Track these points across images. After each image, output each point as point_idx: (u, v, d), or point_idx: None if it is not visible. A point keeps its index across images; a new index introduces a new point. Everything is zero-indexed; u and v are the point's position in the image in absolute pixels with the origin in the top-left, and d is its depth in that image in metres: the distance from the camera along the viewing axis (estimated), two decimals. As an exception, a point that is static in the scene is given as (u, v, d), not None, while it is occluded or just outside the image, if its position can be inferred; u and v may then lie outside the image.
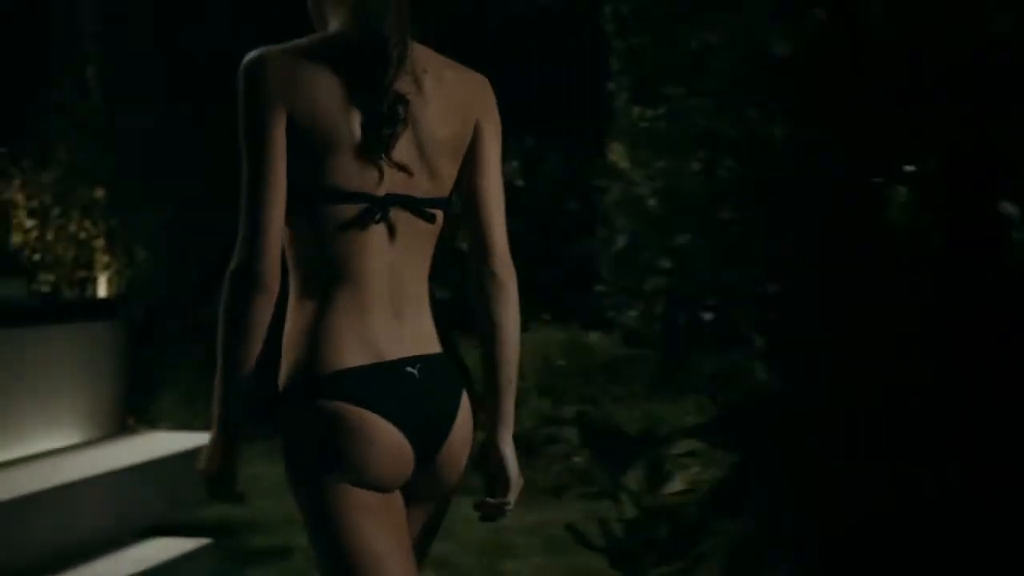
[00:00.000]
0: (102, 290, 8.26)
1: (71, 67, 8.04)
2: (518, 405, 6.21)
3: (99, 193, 8.01)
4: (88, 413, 4.56)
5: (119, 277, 8.18)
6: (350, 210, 1.73)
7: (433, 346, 1.83)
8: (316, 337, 1.75)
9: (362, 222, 1.73)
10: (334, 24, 1.80)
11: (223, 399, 1.74)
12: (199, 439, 4.60)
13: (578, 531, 3.77)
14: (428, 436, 1.80)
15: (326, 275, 1.76)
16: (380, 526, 1.77)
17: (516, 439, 6.01)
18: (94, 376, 4.61)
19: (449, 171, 1.81)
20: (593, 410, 4.43)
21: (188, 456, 4.35)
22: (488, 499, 1.93)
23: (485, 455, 1.94)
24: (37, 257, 8.07)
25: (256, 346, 1.72)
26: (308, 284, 1.78)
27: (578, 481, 5.34)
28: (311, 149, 1.72)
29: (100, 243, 8.09)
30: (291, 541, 4.59)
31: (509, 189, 6.30)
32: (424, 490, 1.85)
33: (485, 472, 1.95)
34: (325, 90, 1.72)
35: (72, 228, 8.05)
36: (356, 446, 1.74)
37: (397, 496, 1.81)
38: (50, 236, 8.08)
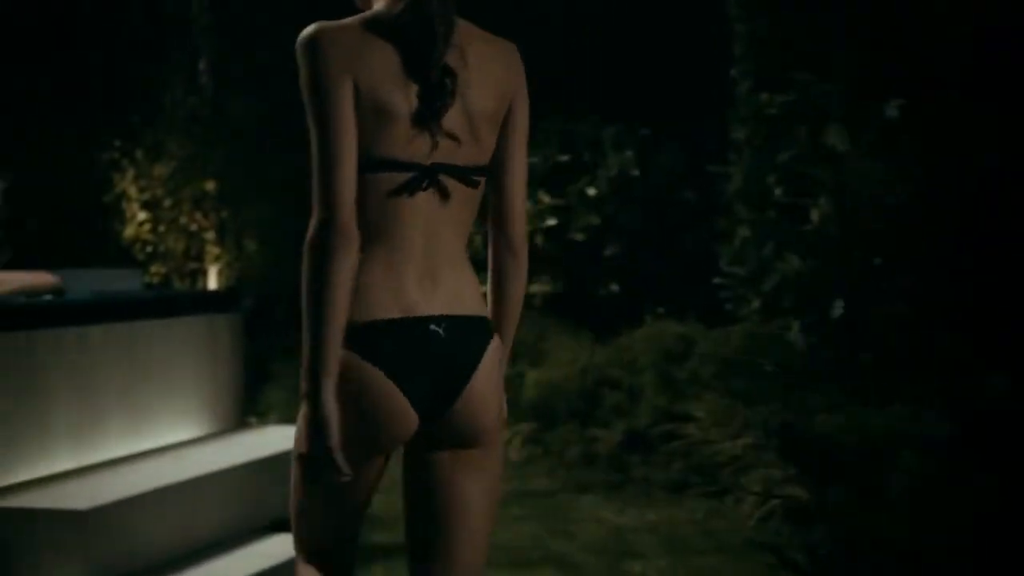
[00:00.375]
0: (212, 282, 8.34)
1: (183, 61, 8.11)
2: (636, 400, 6.00)
3: (210, 185, 8.07)
4: (209, 407, 4.56)
5: (229, 269, 8.24)
6: (399, 177, 1.83)
7: (466, 308, 1.89)
8: (355, 294, 1.82)
9: (410, 189, 1.83)
10: (379, 3, 1.88)
11: (313, 369, 1.77)
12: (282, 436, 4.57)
13: (786, 555, 3.50)
14: (439, 392, 1.86)
15: (369, 236, 1.84)
16: (346, 494, 1.90)
17: (634, 435, 5.81)
18: (214, 370, 4.61)
19: (490, 140, 1.90)
20: (791, 417, 4.20)
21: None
22: None
23: None
24: (149, 249, 8.17)
25: (344, 305, 1.78)
26: None
27: (698, 478, 5.20)
28: (367, 119, 1.80)
29: (211, 235, 8.16)
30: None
31: (624, 179, 6.15)
32: (447, 437, 1.90)
33: None
34: (380, 64, 1.81)
35: (183, 220, 8.14)
36: (354, 396, 1.81)
37: (378, 464, 1.91)
38: (162, 228, 8.17)
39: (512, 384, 6.21)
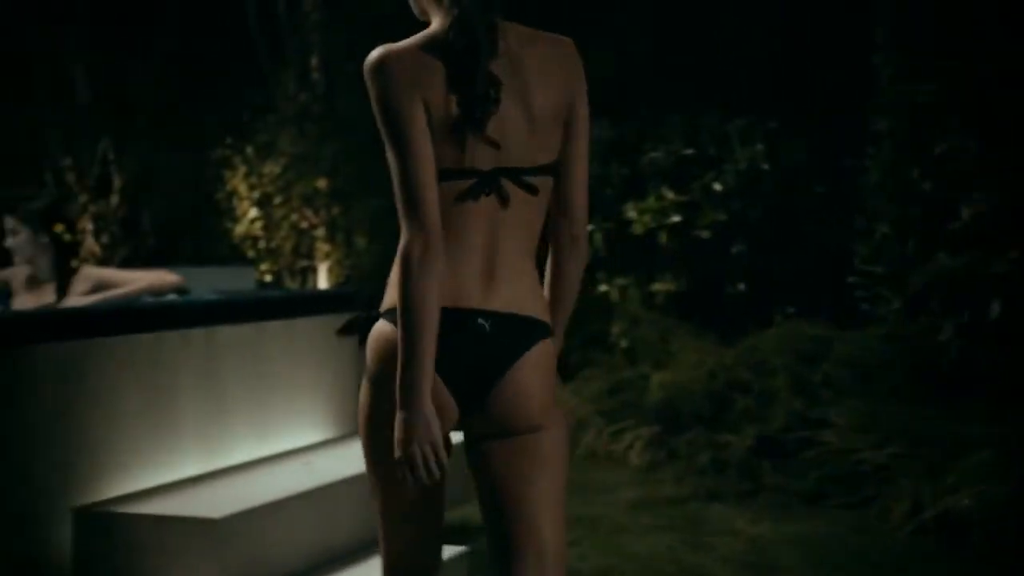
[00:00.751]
0: (322, 280, 8.29)
1: (295, 58, 8.06)
2: (768, 404, 5.69)
3: (321, 183, 8.01)
4: (332, 410, 4.46)
5: (339, 267, 8.17)
6: (462, 185, 1.91)
7: (522, 308, 1.95)
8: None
9: (472, 195, 1.91)
10: (435, 21, 1.96)
11: (411, 376, 1.85)
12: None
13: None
14: (474, 384, 1.94)
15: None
16: (423, 490, 1.94)
17: (766, 441, 5.50)
18: (337, 371, 4.50)
19: (555, 138, 1.96)
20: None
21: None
22: None
23: None
24: (261, 246, 8.15)
25: (437, 314, 1.87)
26: None
27: (837, 488, 4.94)
28: (432, 133, 1.89)
29: (321, 232, 8.10)
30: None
31: (753, 173, 5.84)
32: (489, 428, 1.96)
33: None
34: (437, 80, 1.89)
35: (294, 217, 8.09)
36: (393, 375, 1.88)
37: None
38: (271, 226, 8.14)
39: (635, 386, 6.01)
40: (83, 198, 7.64)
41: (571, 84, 1.96)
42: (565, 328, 2.08)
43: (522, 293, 1.96)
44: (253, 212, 8.17)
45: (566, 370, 6.36)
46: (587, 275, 6.50)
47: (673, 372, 5.71)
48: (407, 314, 1.85)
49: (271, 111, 8.08)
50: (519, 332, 1.94)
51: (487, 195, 1.91)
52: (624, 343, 6.23)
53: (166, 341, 3.71)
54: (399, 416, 1.86)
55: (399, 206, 1.89)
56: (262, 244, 8.18)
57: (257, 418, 4.08)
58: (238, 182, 8.20)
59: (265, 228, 8.14)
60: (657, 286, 6.16)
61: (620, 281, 6.26)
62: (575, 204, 2.00)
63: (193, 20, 7.99)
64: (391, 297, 1.94)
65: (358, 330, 2.02)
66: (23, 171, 7.67)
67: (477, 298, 1.92)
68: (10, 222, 4.29)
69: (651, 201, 6.12)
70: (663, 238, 6.16)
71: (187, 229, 8.49)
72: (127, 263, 7.79)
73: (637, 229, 6.14)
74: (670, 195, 6.11)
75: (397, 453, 1.87)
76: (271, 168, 8.10)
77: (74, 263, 4.34)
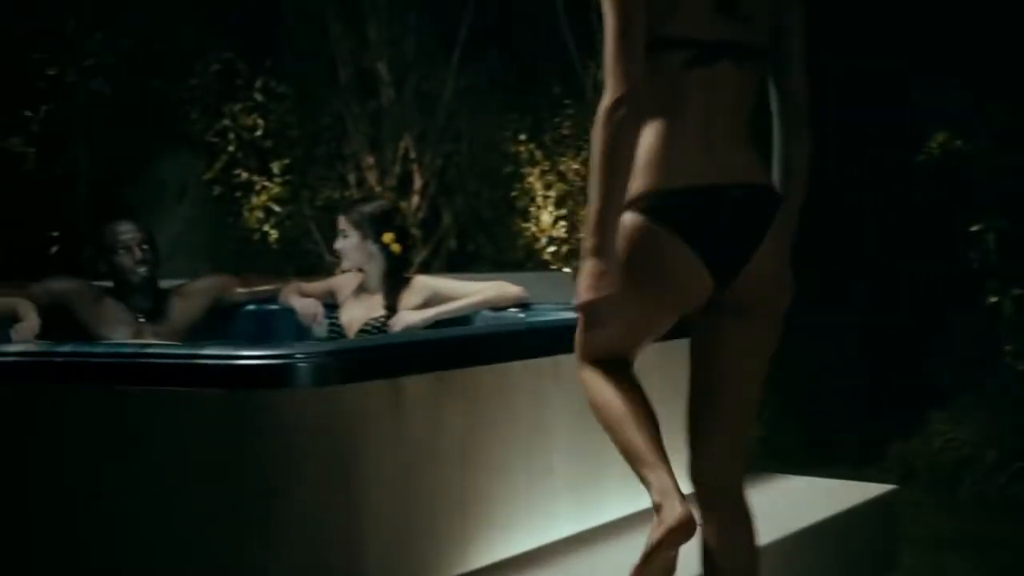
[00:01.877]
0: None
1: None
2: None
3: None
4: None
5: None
6: (683, 55, 2.04)
7: (754, 177, 2.10)
8: (643, 164, 2.05)
9: (695, 63, 2.04)
10: None
11: (604, 227, 1.99)
12: (845, 493, 3.59)
13: None
14: (730, 255, 2.05)
15: (656, 110, 2.05)
16: (629, 339, 2.13)
17: None
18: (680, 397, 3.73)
19: (764, 32, 2.12)
20: None
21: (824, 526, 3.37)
22: None
23: None
24: (565, 248, 7.56)
25: (631, 170, 2.02)
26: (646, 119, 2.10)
27: None
28: (659, 5, 2.03)
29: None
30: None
31: None
32: (732, 303, 2.08)
33: None
34: None
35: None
36: (646, 258, 2.03)
37: (667, 323, 2.13)
38: (575, 227, 7.53)
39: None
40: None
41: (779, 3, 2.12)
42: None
43: (748, 161, 2.08)
44: (551, 211, 7.62)
45: (939, 396, 5.47)
46: (973, 284, 5.54)
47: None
48: (607, 170, 1.97)
49: (576, 102, 7.49)
50: (760, 202, 2.07)
51: (705, 65, 2.02)
52: (1022, 366, 5.20)
53: (537, 370, 3.04)
54: (591, 261, 1.98)
55: (606, 66, 1.98)
56: (565, 247, 7.60)
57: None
58: (534, 179, 7.69)
59: (570, 229, 7.56)
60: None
61: (1017, 291, 5.23)
62: (791, 89, 2.14)
63: (504, 9, 7.49)
64: (635, 186, 2.02)
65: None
66: (325, 170, 7.39)
67: (711, 172, 2.03)
68: (342, 222, 3.82)
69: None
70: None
71: (484, 230, 8.03)
72: (426, 267, 7.40)
73: (1055, 227, 5.07)
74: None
75: (584, 298, 2.00)
76: (570, 164, 7.54)
77: (405, 274, 3.84)
